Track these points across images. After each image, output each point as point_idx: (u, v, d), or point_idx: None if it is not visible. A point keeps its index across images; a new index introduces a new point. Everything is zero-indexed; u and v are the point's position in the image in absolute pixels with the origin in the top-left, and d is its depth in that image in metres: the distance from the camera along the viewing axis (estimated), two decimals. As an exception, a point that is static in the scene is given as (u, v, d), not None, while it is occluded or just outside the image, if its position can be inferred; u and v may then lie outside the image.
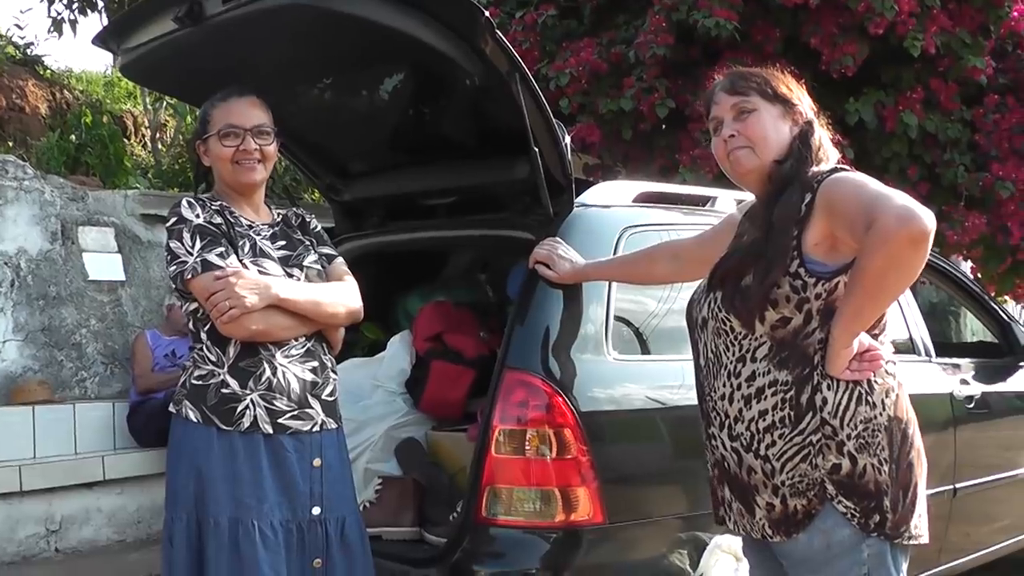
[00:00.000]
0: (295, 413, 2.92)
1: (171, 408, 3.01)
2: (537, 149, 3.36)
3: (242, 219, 3.01)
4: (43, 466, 6.42)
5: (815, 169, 2.50)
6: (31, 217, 7.40)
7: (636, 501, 3.35)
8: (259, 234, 3.02)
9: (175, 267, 2.86)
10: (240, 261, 2.89)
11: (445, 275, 4.87)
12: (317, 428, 2.96)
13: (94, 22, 10.71)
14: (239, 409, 2.86)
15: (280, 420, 2.89)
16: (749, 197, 4.29)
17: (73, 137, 9.18)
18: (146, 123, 10.83)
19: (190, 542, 2.84)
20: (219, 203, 2.99)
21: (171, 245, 2.89)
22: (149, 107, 10.64)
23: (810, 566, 2.46)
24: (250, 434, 2.86)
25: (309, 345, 2.98)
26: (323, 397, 2.99)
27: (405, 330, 4.21)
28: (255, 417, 2.86)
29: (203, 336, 2.93)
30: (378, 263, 4.41)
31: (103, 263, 7.73)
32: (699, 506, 3.41)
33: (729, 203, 4.01)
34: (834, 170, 2.49)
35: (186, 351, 6.81)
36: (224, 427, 2.86)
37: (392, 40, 3.25)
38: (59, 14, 10.90)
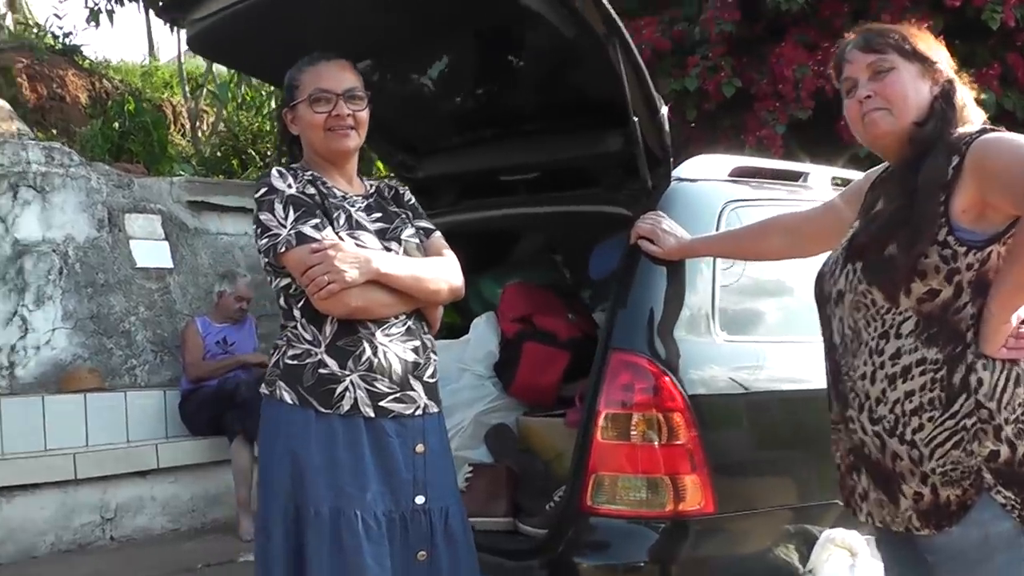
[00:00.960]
0: (397, 395, 2.73)
1: (263, 390, 2.81)
2: (636, 118, 3.19)
3: (335, 190, 2.83)
4: (96, 454, 6.38)
5: (960, 131, 2.33)
6: (78, 204, 7.34)
7: (746, 491, 3.17)
8: (354, 205, 2.84)
9: (266, 240, 2.68)
10: (336, 233, 2.70)
11: (517, 257, 4.75)
12: (420, 412, 2.77)
13: (131, 12, 10.62)
14: (338, 391, 2.67)
15: (382, 403, 2.70)
16: (840, 173, 4.25)
17: (116, 125, 9.12)
18: (185, 112, 10.74)
19: (287, 533, 2.66)
20: (310, 173, 2.80)
21: (261, 217, 2.70)
22: (188, 96, 10.56)
23: (964, 561, 2.25)
24: (350, 417, 2.67)
25: (410, 323, 2.79)
26: (425, 379, 2.80)
27: (489, 312, 4.09)
28: (355, 399, 2.67)
29: (296, 313, 2.73)
30: (450, 244, 4.32)
31: (150, 250, 7.67)
32: (809, 497, 3.32)
33: (821, 179, 3.90)
34: (983, 131, 2.31)
35: (239, 338, 6.88)
36: (322, 409, 2.66)
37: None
38: (96, 4, 10.82)
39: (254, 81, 10.62)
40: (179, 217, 7.94)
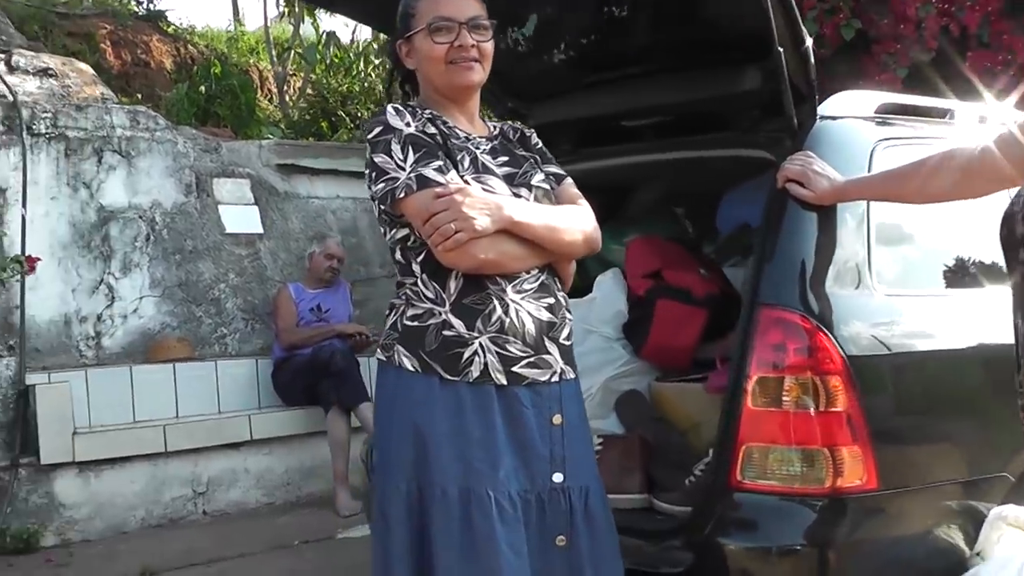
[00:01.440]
0: (531, 360, 2.39)
1: (379, 356, 2.47)
2: (780, 49, 2.82)
3: (457, 130, 2.50)
4: (187, 426, 6.13)
5: None
6: (164, 169, 7.09)
7: (909, 464, 2.79)
8: (478, 147, 2.50)
9: (383, 184, 2.34)
10: (461, 177, 2.37)
11: (633, 210, 4.35)
12: (556, 378, 2.43)
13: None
14: (466, 355, 2.34)
15: (515, 368, 2.37)
16: (986, 110, 3.81)
17: (202, 88, 8.86)
18: (272, 77, 10.47)
19: (411, 515, 2.34)
20: (429, 111, 2.46)
21: (375, 159, 2.37)
22: (275, 60, 10.27)
23: None
24: (480, 385, 2.35)
25: (543, 279, 2.45)
26: (560, 341, 2.46)
27: (615, 268, 3.70)
28: (485, 364, 2.34)
29: (415, 268, 2.40)
30: (563, 196, 3.93)
31: (240, 215, 7.40)
32: (978, 470, 2.93)
33: (967, 116, 3.49)
34: None
35: (333, 304, 6.56)
36: (448, 376, 2.34)
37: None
38: (181, -32, 10.58)
39: (343, 42, 10.33)
40: (268, 181, 7.66)
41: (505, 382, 2.38)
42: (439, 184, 2.32)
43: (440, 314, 2.39)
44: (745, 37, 2.93)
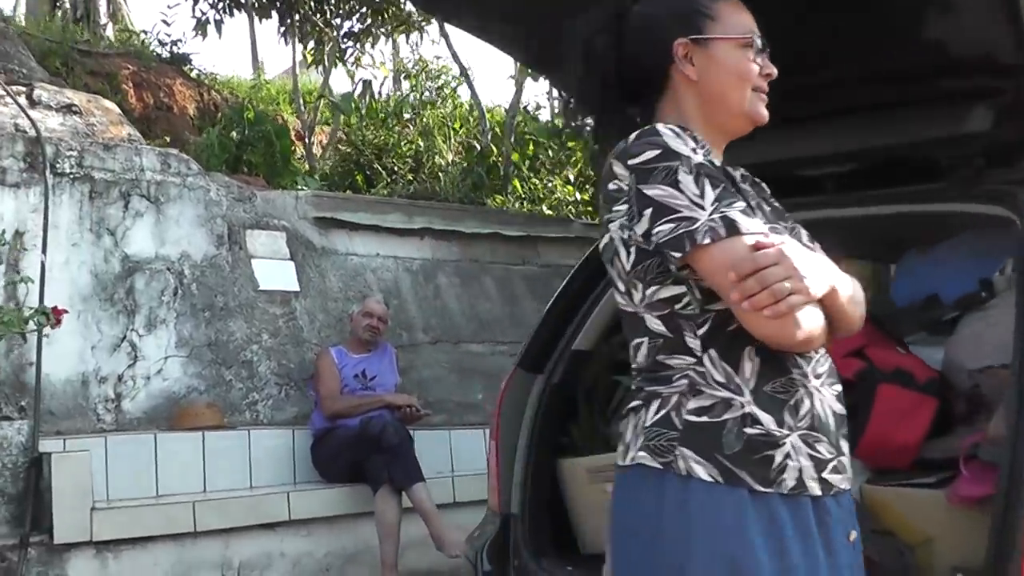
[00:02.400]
0: (835, 462, 1.82)
1: (650, 462, 1.78)
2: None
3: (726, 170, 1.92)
4: (219, 502, 5.43)
5: None
6: (195, 218, 6.47)
7: None
8: (746, 193, 1.91)
9: (670, 225, 1.71)
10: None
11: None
12: (848, 484, 1.87)
13: (240, 23, 9.79)
14: (778, 459, 1.75)
15: (824, 474, 1.80)
16: None
17: (234, 134, 8.25)
18: (297, 127, 9.88)
19: None
20: (701, 141, 1.85)
21: (651, 192, 1.75)
22: (303, 108, 9.68)
23: None
24: (794, 498, 1.75)
25: (830, 360, 1.89)
26: (846, 438, 1.90)
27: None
28: (800, 470, 1.76)
29: (692, 343, 1.79)
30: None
31: (275, 271, 6.75)
32: None
33: None
34: None
35: (379, 371, 5.88)
36: (759, 488, 1.73)
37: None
38: (204, 14, 10.06)
39: (380, 95, 9.77)
40: (305, 235, 7.03)
41: (819, 492, 1.77)
42: (752, 232, 1.69)
43: (740, 405, 1.75)
44: (975, 64, 2.41)
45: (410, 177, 9.20)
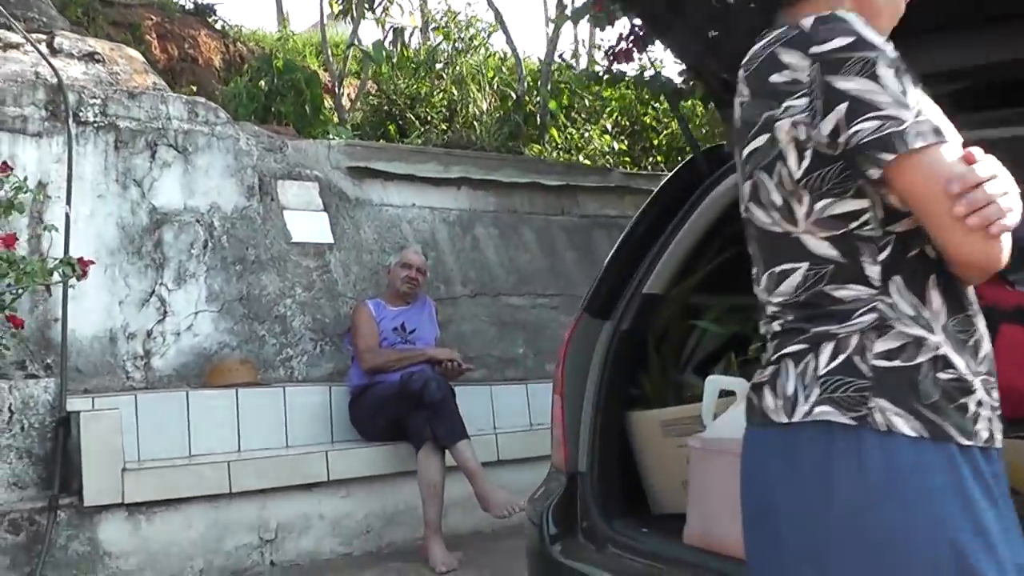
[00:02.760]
0: (999, 411, 1.55)
1: (838, 417, 1.47)
2: None
3: None
4: (254, 462, 5.18)
5: None
6: (225, 168, 6.20)
7: None
8: None
9: (874, 123, 1.42)
10: None
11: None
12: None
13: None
14: (971, 408, 1.48)
15: (999, 423, 1.54)
16: None
17: (262, 83, 7.94)
18: (326, 79, 9.57)
19: None
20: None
21: (847, 86, 1.46)
22: (331, 59, 9.36)
23: None
24: (987, 451, 1.49)
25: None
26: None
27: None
28: (989, 420, 1.51)
29: (871, 270, 1.51)
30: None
31: (307, 223, 6.49)
32: None
33: None
34: None
35: (419, 324, 5.61)
36: (965, 441, 1.46)
37: None
38: (230, -37, 9.73)
39: (413, 44, 9.45)
40: (338, 185, 6.75)
41: (1000, 444, 1.51)
42: (955, 142, 1.44)
43: (933, 346, 1.48)
44: None
45: (444, 127, 8.90)
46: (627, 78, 7.55)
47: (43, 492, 4.79)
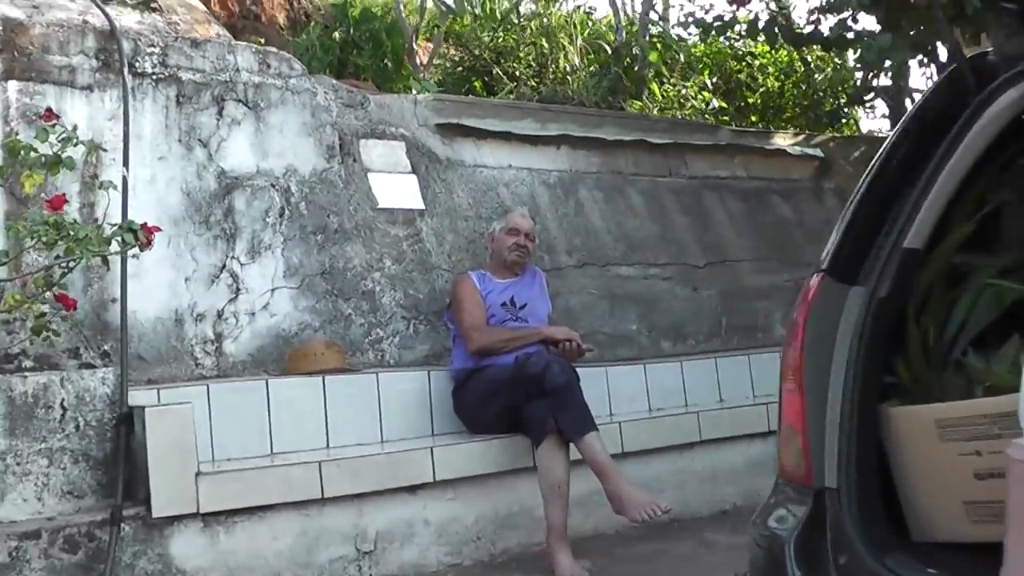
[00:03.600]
0: None
1: None
2: None
3: None
4: (348, 462, 4.40)
5: None
6: (301, 126, 5.44)
7: None
8: None
9: None
10: None
11: None
12: None
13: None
14: None
15: None
16: None
17: (337, 34, 7.13)
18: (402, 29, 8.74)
19: None
20: None
21: None
22: (403, 12, 8.52)
23: None
24: None
25: None
26: None
27: None
28: None
29: None
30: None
31: (395, 186, 5.72)
32: None
33: None
34: None
35: (530, 298, 4.79)
36: None
37: None
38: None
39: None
40: (427, 144, 5.96)
41: None
42: None
43: None
44: None
45: (534, 83, 8.06)
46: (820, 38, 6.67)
47: (104, 502, 4.09)
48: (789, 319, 2.32)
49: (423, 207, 5.78)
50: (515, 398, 4.60)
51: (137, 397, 4.29)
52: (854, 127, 9.93)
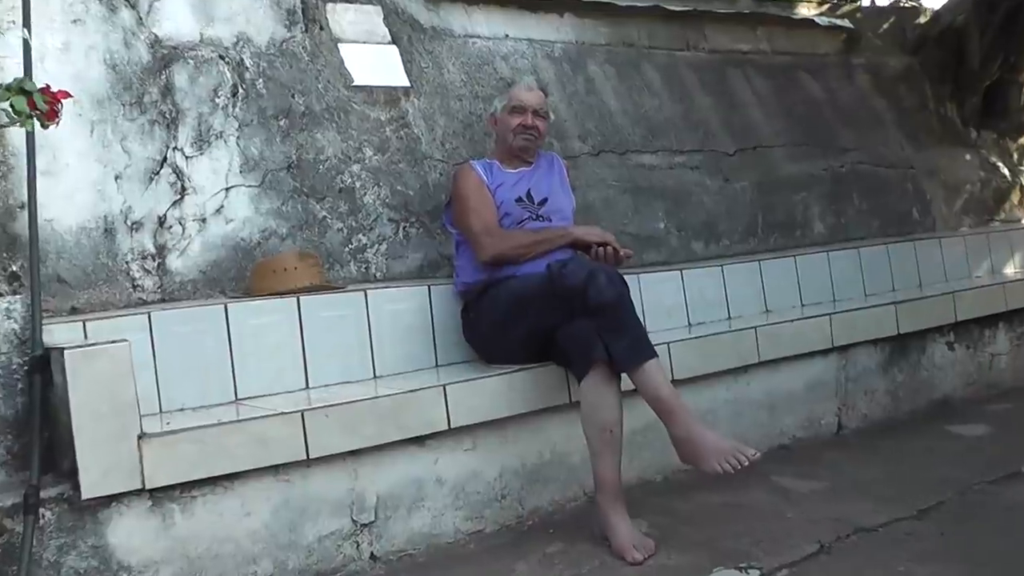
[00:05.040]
0: None
1: None
2: None
3: None
4: (341, 411, 3.33)
5: None
6: (253, -15, 4.27)
7: None
8: None
9: None
10: None
11: None
12: None
13: None
14: None
15: None
16: None
17: None
18: None
19: None
20: None
21: None
22: None
23: None
24: None
25: None
26: None
27: None
28: None
29: None
30: None
31: (372, 59, 4.64)
32: None
33: None
34: None
35: (550, 191, 3.54)
36: None
37: None
38: None
39: None
40: (407, 10, 4.85)
41: None
42: None
43: None
44: None
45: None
46: None
47: (14, 479, 3.01)
48: None
49: (408, 84, 4.68)
50: (548, 318, 3.57)
51: (56, 333, 3.21)
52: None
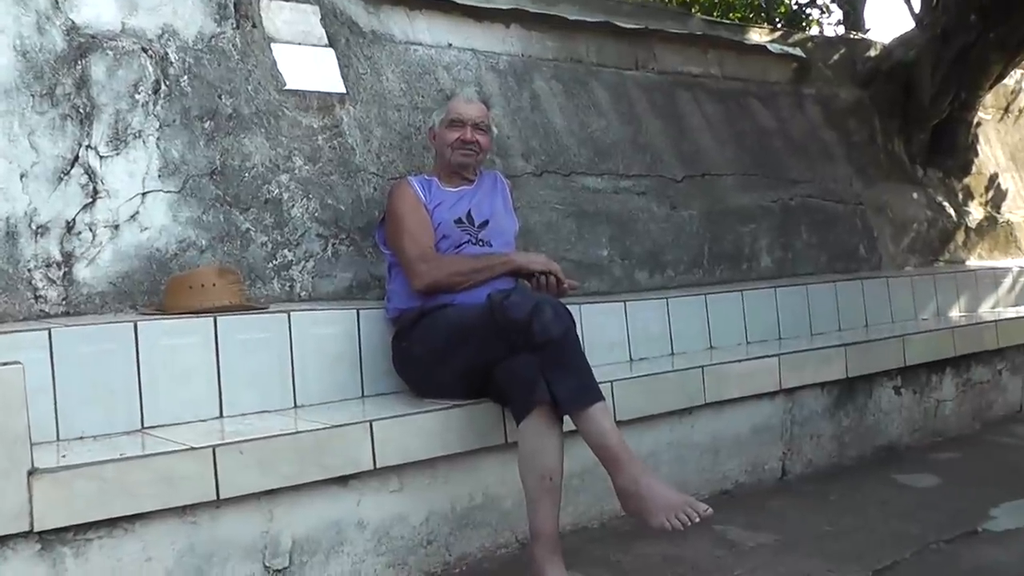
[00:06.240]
0: None
1: None
2: None
3: None
4: (256, 447, 3.03)
5: None
6: (181, -23, 3.97)
7: None
8: None
9: None
10: None
11: None
12: None
13: None
14: None
15: None
16: None
17: None
18: None
19: None
20: None
21: None
22: None
23: None
24: None
25: None
26: None
27: None
28: None
29: None
30: None
31: (307, 62, 4.36)
32: None
33: None
34: None
35: (491, 211, 3.09)
36: None
37: None
38: None
39: None
40: (346, 12, 4.57)
41: None
42: None
43: None
44: None
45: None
46: None
47: None
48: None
49: (343, 91, 4.40)
50: (488, 352, 3.29)
51: (-60, 349, 2.85)
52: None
